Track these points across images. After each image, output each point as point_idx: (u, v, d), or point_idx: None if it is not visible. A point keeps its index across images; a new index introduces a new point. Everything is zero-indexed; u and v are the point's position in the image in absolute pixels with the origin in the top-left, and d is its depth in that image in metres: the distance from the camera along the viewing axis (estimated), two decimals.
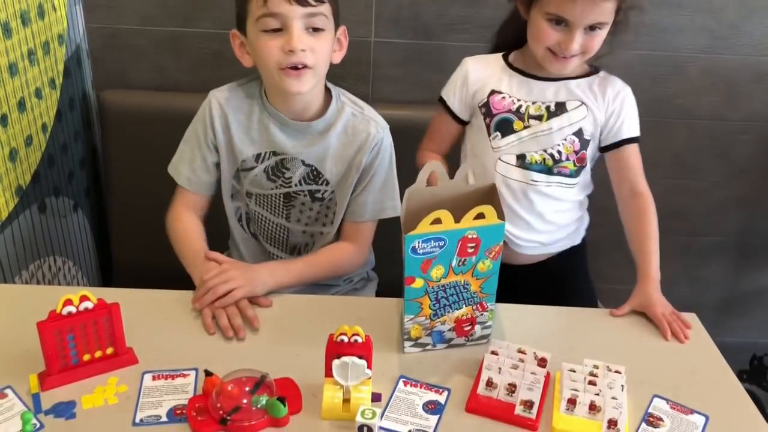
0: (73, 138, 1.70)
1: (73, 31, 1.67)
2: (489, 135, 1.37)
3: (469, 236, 1.04)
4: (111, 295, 1.06)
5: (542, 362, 1.07)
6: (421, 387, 1.04)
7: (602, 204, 1.94)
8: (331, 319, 1.15)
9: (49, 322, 0.98)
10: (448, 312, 1.10)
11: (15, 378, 1.01)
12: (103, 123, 1.75)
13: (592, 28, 1.25)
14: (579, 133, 1.35)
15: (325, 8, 1.21)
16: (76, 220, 1.74)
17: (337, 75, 1.79)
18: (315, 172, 1.33)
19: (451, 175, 1.13)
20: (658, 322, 1.21)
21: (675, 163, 1.93)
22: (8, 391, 0.99)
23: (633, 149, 1.38)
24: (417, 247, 1.03)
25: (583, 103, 1.35)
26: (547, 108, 1.35)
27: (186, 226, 1.35)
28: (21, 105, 1.43)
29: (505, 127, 1.35)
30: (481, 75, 1.39)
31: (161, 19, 1.73)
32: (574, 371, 1.04)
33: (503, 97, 1.36)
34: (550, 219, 1.42)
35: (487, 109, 1.37)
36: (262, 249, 1.43)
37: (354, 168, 1.32)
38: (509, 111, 1.35)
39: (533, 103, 1.35)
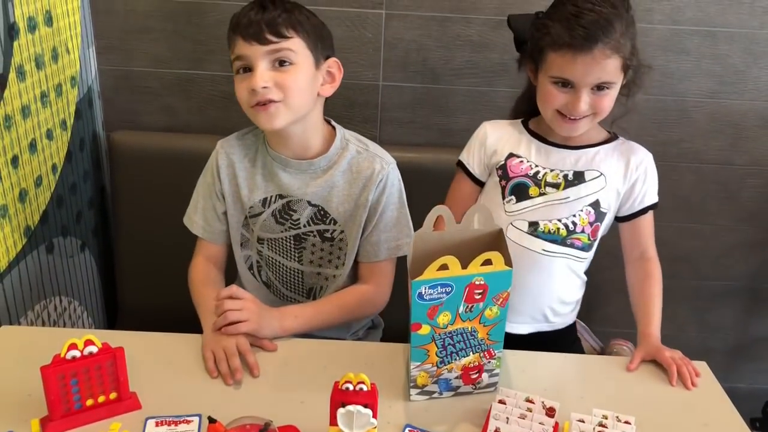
0: (82, 178, 1.72)
1: (85, 73, 1.69)
2: (503, 198, 1.33)
3: (477, 282, 1.03)
4: (116, 338, 1.06)
5: (551, 412, 1.05)
6: None
7: (609, 247, 1.94)
8: (336, 365, 1.14)
9: (52, 367, 0.97)
10: (455, 359, 1.09)
11: (17, 423, 1.00)
12: (113, 163, 1.77)
13: (599, 87, 1.23)
14: (595, 205, 1.32)
15: (293, 43, 1.20)
16: (83, 260, 1.74)
17: (345, 118, 1.82)
18: (322, 212, 1.33)
19: (458, 220, 1.13)
20: (667, 365, 1.20)
21: (682, 207, 1.92)
22: None
23: (649, 216, 1.37)
24: (423, 293, 1.02)
25: (602, 173, 1.32)
26: (565, 176, 1.31)
27: (201, 275, 1.36)
28: (32, 146, 1.45)
29: (521, 192, 1.32)
30: (499, 137, 1.38)
31: (172, 61, 1.76)
32: (582, 421, 1.03)
33: (521, 161, 1.33)
34: (554, 294, 1.38)
35: (503, 172, 1.34)
36: (274, 297, 1.42)
37: (361, 206, 1.32)
38: (526, 176, 1.32)
39: (551, 170, 1.32)
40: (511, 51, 1.72)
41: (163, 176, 1.73)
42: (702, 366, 1.23)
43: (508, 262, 1.04)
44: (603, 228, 1.37)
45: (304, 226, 1.34)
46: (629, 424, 1.03)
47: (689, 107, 1.81)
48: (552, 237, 1.32)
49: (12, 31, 1.36)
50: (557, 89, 1.25)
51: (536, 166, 1.32)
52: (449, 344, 1.07)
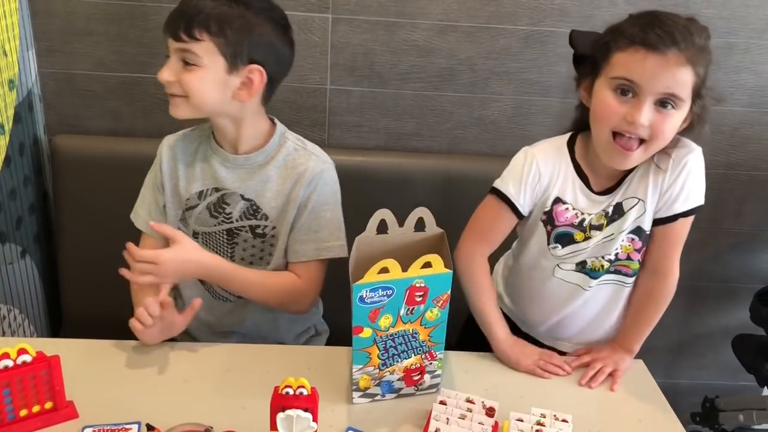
0: (22, 183, 1.67)
1: (24, 76, 1.65)
2: (548, 243, 1.26)
3: (417, 285, 1.04)
4: (53, 346, 1.04)
5: (490, 412, 1.07)
6: None
7: None
8: (279, 369, 1.14)
9: None
10: (397, 361, 1.10)
11: None
12: (55, 168, 1.73)
13: (663, 103, 1.10)
14: (638, 231, 1.23)
15: (200, 46, 1.20)
16: (23, 267, 1.70)
17: (293, 121, 1.81)
18: (254, 207, 1.33)
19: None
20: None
21: None
22: None
23: (682, 223, 1.23)
24: (365, 296, 1.03)
25: (639, 199, 1.21)
26: (606, 214, 1.23)
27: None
28: None
29: (566, 239, 1.25)
30: (549, 175, 1.24)
31: (116, 64, 1.73)
32: (521, 420, 1.04)
33: (567, 209, 1.23)
34: (596, 320, 1.33)
35: (549, 218, 1.25)
36: (209, 295, 1.40)
37: (292, 202, 1.32)
38: (571, 225, 1.24)
39: (594, 213, 1.23)
40: (457, 55, 1.75)
41: (107, 181, 1.70)
42: (638, 364, 1.27)
43: (448, 264, 1.05)
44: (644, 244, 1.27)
45: (237, 220, 1.34)
46: (566, 422, 1.05)
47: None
48: (598, 272, 1.27)
49: None
50: (616, 98, 1.12)
51: (581, 214, 1.23)
52: (391, 346, 1.08)
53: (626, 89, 1.11)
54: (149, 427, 0.97)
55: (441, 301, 1.07)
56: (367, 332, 1.06)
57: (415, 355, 1.10)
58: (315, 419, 0.96)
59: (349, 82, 1.79)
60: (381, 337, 1.07)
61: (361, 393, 1.11)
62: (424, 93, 1.79)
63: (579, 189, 1.23)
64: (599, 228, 1.23)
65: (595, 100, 1.16)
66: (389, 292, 1.04)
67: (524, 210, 1.25)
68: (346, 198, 1.78)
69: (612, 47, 1.13)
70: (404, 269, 1.03)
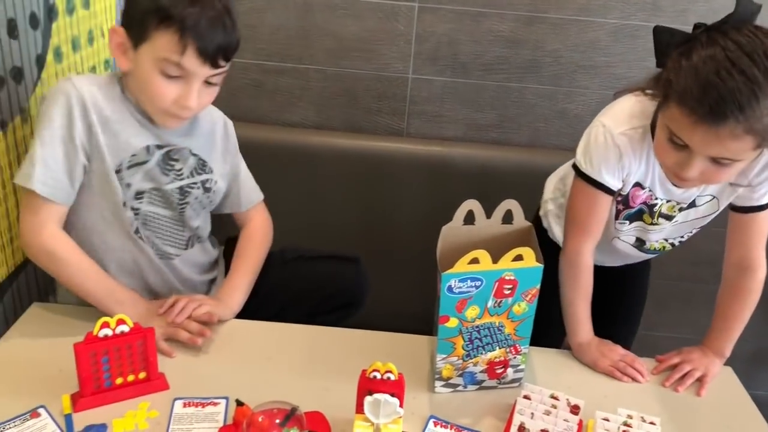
0: None
1: None
2: (616, 218, 1.26)
3: (507, 278, 1.03)
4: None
5: (575, 409, 1.05)
6: (451, 428, 1.03)
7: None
8: (360, 354, 1.15)
9: (85, 344, 0.99)
10: (481, 353, 1.09)
11: (48, 397, 1.02)
12: None
13: (716, 160, 1.03)
14: (705, 226, 1.26)
15: (228, 65, 1.17)
16: None
17: (373, 109, 1.82)
18: (201, 162, 1.28)
19: (488, 214, 1.13)
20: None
21: None
22: (41, 411, 0.99)
23: (764, 215, 1.19)
24: (453, 286, 1.02)
25: (715, 197, 1.20)
26: (680, 208, 1.23)
27: (76, 256, 1.18)
28: None
29: (635, 217, 1.25)
30: (631, 159, 1.17)
31: None
32: (607, 420, 1.03)
33: (643, 192, 1.21)
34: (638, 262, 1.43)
35: (624, 198, 1.23)
36: (155, 256, 1.28)
37: (221, 151, 1.33)
38: (644, 203, 1.22)
39: (668, 201, 1.22)
40: (544, 47, 1.73)
41: None
42: (726, 371, 1.23)
43: (539, 258, 1.04)
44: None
45: (188, 177, 1.26)
46: (654, 424, 1.03)
47: None
48: (657, 252, 1.30)
49: (51, 12, 1.37)
50: (670, 146, 1.06)
51: (656, 198, 1.21)
52: (476, 338, 1.08)
53: (679, 143, 1.04)
54: (238, 403, 0.99)
55: (529, 296, 1.06)
56: (453, 322, 1.06)
57: (499, 348, 1.09)
58: (401, 405, 0.96)
59: (432, 71, 1.79)
60: (467, 328, 1.06)
61: (443, 383, 1.11)
62: (507, 84, 1.77)
63: (658, 178, 1.19)
64: (668, 218, 1.22)
65: (657, 131, 1.10)
66: (478, 283, 1.03)
67: (616, 188, 1.20)
68: (424, 186, 1.79)
69: (670, 93, 1.02)
70: (491, 261, 1.02)
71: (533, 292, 1.06)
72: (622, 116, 1.17)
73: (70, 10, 1.45)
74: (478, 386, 1.12)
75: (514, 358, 1.11)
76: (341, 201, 1.84)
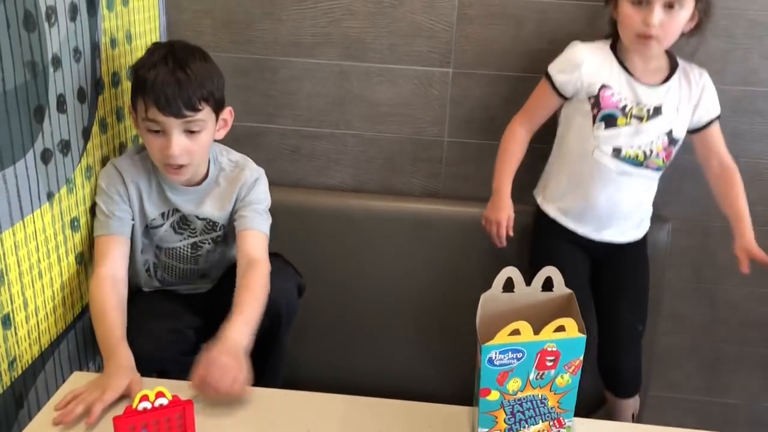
0: None
1: None
2: (593, 123, 1.52)
3: (549, 349, 1.01)
4: (185, 389, 1.07)
5: None
6: None
7: (674, 310, 1.89)
8: (399, 425, 1.13)
9: (124, 418, 0.99)
10: (524, 427, 1.06)
11: None
12: None
13: (669, 5, 1.41)
14: (670, 133, 1.53)
15: (204, 113, 1.34)
16: None
17: (408, 171, 1.84)
18: (211, 223, 1.49)
19: (528, 282, 1.12)
20: (761, 258, 1.52)
21: (755, 270, 1.85)
22: None
23: (716, 127, 1.58)
24: (494, 358, 1.01)
25: (675, 108, 1.53)
26: (648, 111, 1.51)
27: (111, 297, 1.32)
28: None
29: (609, 121, 1.52)
30: (594, 66, 1.52)
31: (242, 114, 1.81)
32: None
33: (612, 94, 1.51)
34: (628, 209, 1.59)
35: (596, 101, 1.52)
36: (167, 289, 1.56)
37: (230, 200, 1.47)
38: (616, 107, 1.51)
39: (637, 104, 1.51)
40: None
41: None
42: None
43: (581, 329, 1.02)
44: (675, 151, 1.57)
45: (200, 234, 1.50)
46: None
47: (763, 170, 1.77)
48: (632, 161, 1.53)
49: (98, 86, 1.42)
50: (633, 9, 1.43)
51: (625, 99, 1.51)
52: (518, 411, 1.05)
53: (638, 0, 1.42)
54: None
55: (573, 367, 1.03)
56: (494, 395, 1.03)
57: (543, 421, 1.06)
58: None
59: (466, 134, 1.80)
60: (509, 401, 1.04)
61: None
62: (538, 146, 1.76)
63: (624, 79, 1.52)
64: (639, 119, 1.51)
65: (619, 18, 1.48)
66: (519, 355, 1.01)
67: (566, 92, 1.55)
68: (460, 248, 1.78)
69: None
70: (532, 330, 1.00)
71: (576, 364, 1.03)
72: (590, 43, 1.57)
73: (116, 83, 1.50)
74: None
75: (559, 431, 1.07)
76: (378, 261, 1.84)
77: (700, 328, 1.92)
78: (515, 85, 1.73)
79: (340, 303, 1.85)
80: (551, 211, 1.65)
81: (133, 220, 1.44)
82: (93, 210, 1.43)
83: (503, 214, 1.60)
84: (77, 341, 1.40)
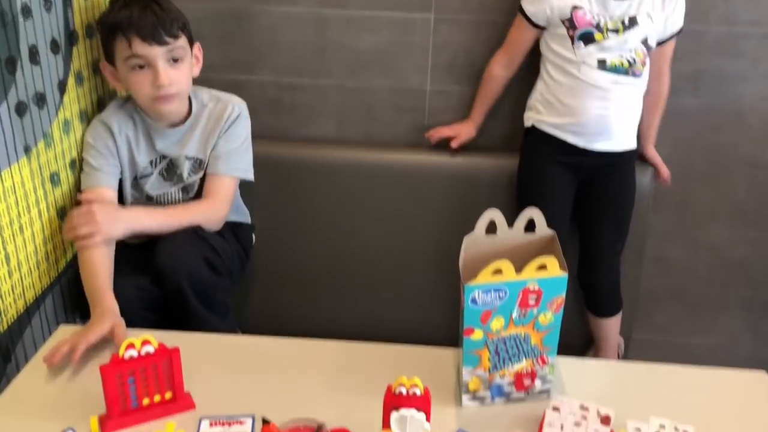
0: None
1: None
2: (573, 44, 1.56)
3: (531, 288, 1.02)
4: (172, 339, 1.07)
5: (606, 420, 1.03)
6: None
7: (658, 254, 1.90)
8: (386, 367, 1.14)
9: (111, 366, 0.99)
10: (508, 365, 1.08)
11: (77, 420, 1.02)
12: None
13: None
14: (645, 41, 1.57)
15: (181, 41, 1.41)
16: None
17: (392, 122, 1.82)
18: (197, 162, 1.52)
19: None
20: (656, 163, 1.72)
21: (736, 213, 1.88)
22: None
23: (674, 40, 1.63)
24: (477, 297, 1.01)
25: (649, 15, 1.55)
26: (623, 22, 1.54)
27: (93, 255, 1.34)
28: None
29: (587, 38, 1.55)
30: None
31: (222, 67, 1.78)
32: (639, 430, 1.01)
33: (584, 13, 1.54)
34: (618, 119, 1.60)
35: (570, 23, 1.55)
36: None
37: (215, 136, 1.51)
38: (590, 25, 1.54)
39: (610, 18, 1.54)
40: None
41: None
42: (761, 376, 1.20)
43: (563, 266, 1.02)
44: (650, 57, 1.61)
45: (188, 177, 1.52)
46: None
47: (745, 111, 1.77)
48: (619, 69, 1.56)
49: (72, 37, 1.39)
50: None
51: (598, 15, 1.54)
52: (502, 350, 1.06)
53: None
54: (264, 421, 0.98)
55: (555, 305, 1.04)
56: (478, 334, 1.04)
57: (526, 359, 1.08)
58: (428, 420, 0.95)
59: (449, 82, 1.78)
60: (492, 340, 1.05)
61: (470, 396, 1.09)
62: (525, 91, 1.75)
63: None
64: (616, 31, 1.54)
65: None
66: (502, 294, 1.02)
67: (539, 22, 1.59)
68: (445, 197, 1.79)
69: None
70: (515, 271, 1.01)
71: (558, 302, 1.04)
72: None
73: (90, 35, 1.47)
74: (505, 399, 1.10)
75: (542, 369, 1.09)
76: (362, 212, 1.84)
77: (683, 271, 1.94)
78: (498, 32, 1.70)
79: (326, 254, 1.85)
80: (544, 126, 1.66)
81: (121, 174, 1.47)
82: (74, 165, 1.42)
83: (464, 129, 1.75)
84: (63, 295, 1.40)
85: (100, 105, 1.53)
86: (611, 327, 1.79)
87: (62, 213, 1.39)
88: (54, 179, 1.35)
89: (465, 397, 1.09)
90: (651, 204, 1.79)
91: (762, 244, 1.90)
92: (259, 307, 1.86)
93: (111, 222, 1.33)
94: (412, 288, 1.87)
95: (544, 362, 1.09)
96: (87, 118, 1.48)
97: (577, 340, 1.85)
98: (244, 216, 1.69)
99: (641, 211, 1.74)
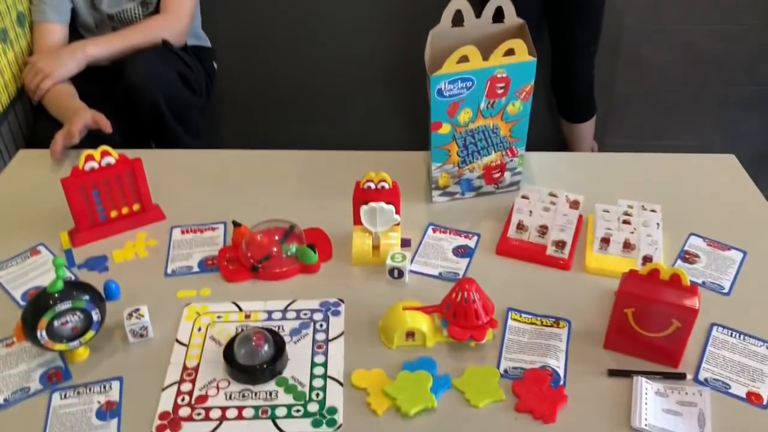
0: None
1: None
2: None
3: (499, 75, 0.99)
4: (139, 155, 1.04)
5: (574, 204, 1.04)
6: (450, 233, 1.03)
7: (633, 54, 1.85)
8: (356, 173, 1.12)
9: (72, 178, 0.97)
10: (477, 159, 1.07)
11: (46, 236, 1.02)
12: None
13: None
14: None
15: None
16: None
17: None
18: None
19: (477, 14, 1.07)
20: None
21: (711, 6, 1.80)
22: (41, 248, 1.00)
23: None
24: (443, 88, 0.98)
25: None
26: None
27: (52, 92, 1.32)
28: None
29: None
30: None
31: None
32: (607, 211, 1.02)
33: None
34: None
35: None
36: None
37: None
38: None
39: None
40: None
41: None
42: (730, 159, 1.21)
43: (532, 51, 0.98)
44: None
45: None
46: (655, 212, 1.02)
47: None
48: None
49: None
50: None
51: None
52: (470, 143, 1.05)
53: None
54: (235, 224, 0.98)
55: (524, 93, 1.01)
56: (445, 128, 1.02)
57: (495, 151, 1.07)
58: (398, 211, 0.96)
59: None
60: (460, 133, 1.03)
61: (440, 191, 1.09)
62: None
63: None
64: None
65: None
66: (469, 83, 0.98)
67: None
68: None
69: None
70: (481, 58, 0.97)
71: (527, 89, 1.01)
72: None
73: None
74: (475, 193, 1.11)
75: (511, 160, 1.08)
76: (331, 22, 1.77)
77: (658, 73, 1.91)
78: None
79: (297, 70, 1.81)
80: None
81: (72, 2, 1.42)
82: (22, 20, 1.32)
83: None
84: (18, 121, 1.35)
85: None
86: (585, 132, 1.78)
87: (4, 36, 1.31)
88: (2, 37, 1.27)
89: (435, 193, 1.09)
90: (625, 4, 1.72)
91: (738, 39, 1.86)
92: (229, 132, 1.84)
93: (55, 63, 1.30)
94: (384, 97, 1.84)
95: (513, 154, 1.08)
96: None
97: (550, 148, 1.85)
98: (204, 40, 1.62)
99: (616, 12, 1.68)
